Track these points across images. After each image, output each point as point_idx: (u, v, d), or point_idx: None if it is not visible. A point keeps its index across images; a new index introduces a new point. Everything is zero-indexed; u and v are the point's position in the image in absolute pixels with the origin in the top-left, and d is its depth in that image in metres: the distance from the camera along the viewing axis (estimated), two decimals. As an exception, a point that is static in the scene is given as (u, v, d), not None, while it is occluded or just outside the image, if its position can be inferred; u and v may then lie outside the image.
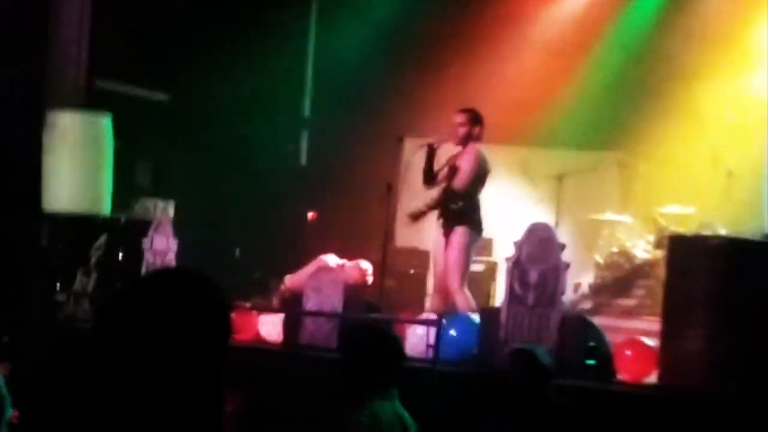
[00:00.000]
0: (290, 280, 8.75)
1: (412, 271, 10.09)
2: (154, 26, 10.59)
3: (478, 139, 8.10)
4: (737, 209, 8.80)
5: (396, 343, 3.77)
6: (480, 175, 7.99)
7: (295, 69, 12.48)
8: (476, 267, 9.47)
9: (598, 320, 8.59)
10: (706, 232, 8.79)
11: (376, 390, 3.56)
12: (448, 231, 7.90)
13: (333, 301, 7.58)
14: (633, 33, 10.95)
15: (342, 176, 11.45)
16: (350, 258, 8.77)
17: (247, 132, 11.52)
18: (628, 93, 10.67)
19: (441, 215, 8.04)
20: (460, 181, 7.96)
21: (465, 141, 8.07)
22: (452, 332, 6.93)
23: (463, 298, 7.66)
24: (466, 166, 7.98)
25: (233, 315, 7.41)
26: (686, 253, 6.47)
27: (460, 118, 8.11)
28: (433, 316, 7.11)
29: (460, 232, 7.84)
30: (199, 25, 10.86)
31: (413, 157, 8.69)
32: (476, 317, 7.11)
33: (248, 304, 8.40)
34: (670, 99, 10.19)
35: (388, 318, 7.34)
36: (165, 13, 10.64)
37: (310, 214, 11.88)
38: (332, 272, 7.82)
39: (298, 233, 11.45)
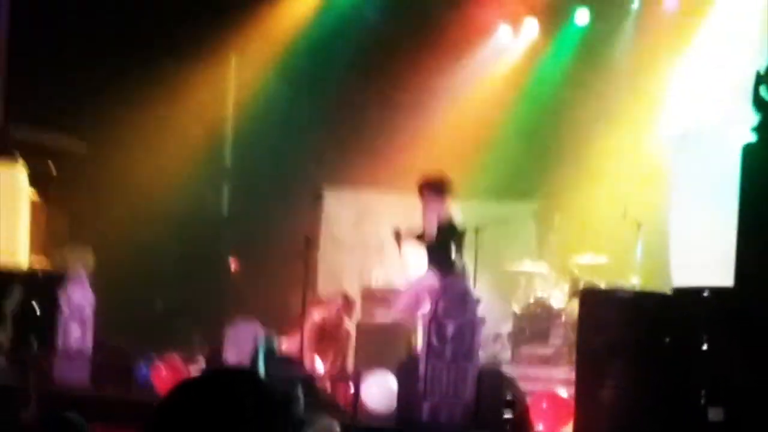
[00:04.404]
0: (287, 346, 8.74)
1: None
2: (69, 76, 10.52)
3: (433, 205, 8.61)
4: (647, 259, 9.07)
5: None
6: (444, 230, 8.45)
7: (216, 119, 12.49)
8: (398, 317, 9.57)
9: (516, 369, 8.77)
10: (620, 283, 9.05)
11: None
12: None
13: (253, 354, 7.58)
14: (543, 88, 11.30)
15: (264, 227, 11.47)
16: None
17: (168, 181, 11.47)
18: (542, 145, 10.99)
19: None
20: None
21: (429, 208, 8.67)
22: (373, 388, 6.99)
23: None
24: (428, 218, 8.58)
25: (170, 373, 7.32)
26: (597, 306, 6.66)
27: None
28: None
29: None
30: (117, 75, 10.82)
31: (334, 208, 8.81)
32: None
33: (177, 358, 8.35)
34: (581, 150, 10.52)
35: (308, 375, 7.37)
36: (82, 62, 10.58)
37: (233, 265, 11.86)
38: (251, 326, 7.82)
39: (221, 283, 11.41)
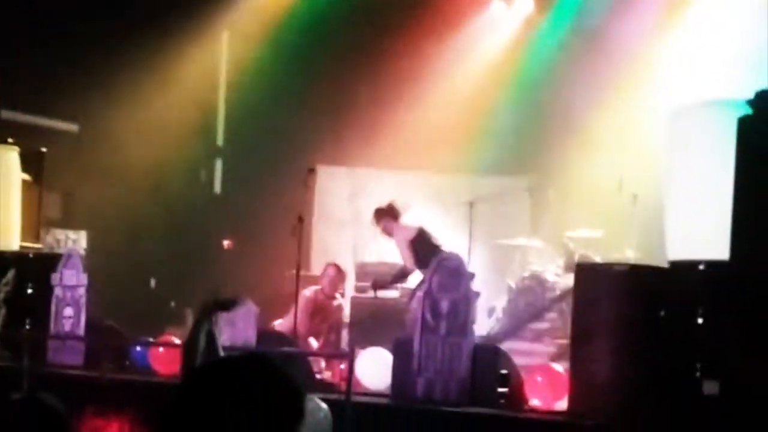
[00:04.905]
0: (280, 326, 8.74)
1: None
2: (60, 55, 10.43)
3: (390, 229, 8.68)
4: (643, 233, 9.03)
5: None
6: (416, 247, 8.43)
7: (208, 98, 12.42)
8: (392, 294, 9.56)
9: (511, 344, 8.76)
10: (616, 256, 9.02)
11: None
12: None
13: (246, 333, 7.55)
14: (537, 62, 11.22)
15: (256, 205, 11.43)
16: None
17: (160, 161, 11.42)
18: (536, 120, 10.93)
19: None
20: (407, 265, 8.66)
21: (389, 234, 8.77)
22: (368, 364, 6.96)
23: None
24: (402, 252, 8.63)
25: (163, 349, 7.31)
26: (592, 281, 6.61)
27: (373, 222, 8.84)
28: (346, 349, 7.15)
29: None
30: (109, 54, 10.74)
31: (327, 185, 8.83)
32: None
33: (176, 341, 8.32)
34: (576, 124, 10.46)
35: (301, 351, 7.34)
36: (72, 41, 10.49)
37: (226, 243, 11.83)
38: (245, 305, 7.78)
39: (214, 262, 11.38)
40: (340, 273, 9.06)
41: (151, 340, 8.32)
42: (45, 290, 8.41)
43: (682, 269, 6.45)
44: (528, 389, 6.76)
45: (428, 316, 6.84)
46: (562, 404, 6.62)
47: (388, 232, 8.76)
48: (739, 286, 6.01)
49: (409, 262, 8.61)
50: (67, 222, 10.92)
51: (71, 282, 8.46)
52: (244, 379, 1.97)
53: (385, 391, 7.01)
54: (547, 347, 9.13)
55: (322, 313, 8.86)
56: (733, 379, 5.85)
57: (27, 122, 10.68)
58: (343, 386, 6.52)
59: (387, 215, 8.75)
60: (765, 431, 5.63)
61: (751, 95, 6.13)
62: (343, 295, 9.46)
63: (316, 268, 10.41)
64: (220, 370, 2.04)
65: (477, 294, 6.86)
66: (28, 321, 8.39)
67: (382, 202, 8.91)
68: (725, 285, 6.07)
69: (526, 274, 9.76)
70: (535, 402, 6.70)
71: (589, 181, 10.09)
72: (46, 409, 3.14)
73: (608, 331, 6.38)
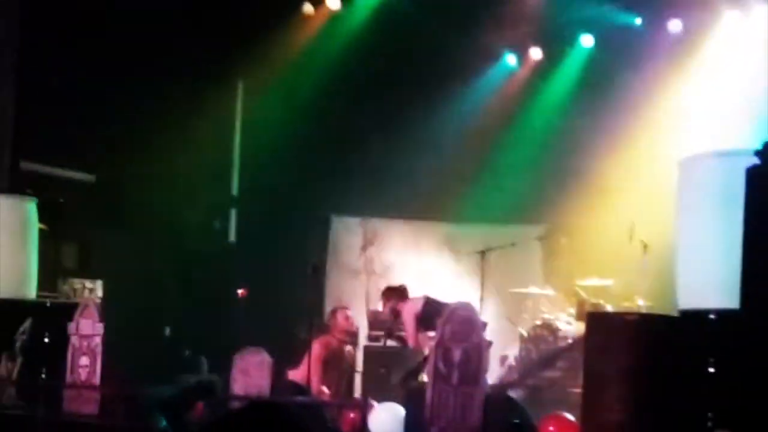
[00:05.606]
0: (292, 375, 8.77)
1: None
2: (78, 107, 10.60)
3: (397, 309, 8.79)
4: (654, 281, 9.06)
5: None
6: (424, 316, 8.60)
7: (223, 147, 12.56)
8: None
9: (523, 392, 8.76)
10: (626, 305, 9.04)
11: None
12: None
13: (260, 383, 7.57)
14: (549, 109, 11.34)
15: (270, 254, 11.51)
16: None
17: (175, 210, 11.53)
18: (547, 169, 11.02)
19: None
20: (413, 343, 8.79)
21: (395, 315, 8.97)
22: (381, 415, 6.99)
23: None
24: (407, 328, 8.78)
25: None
26: (603, 329, 6.64)
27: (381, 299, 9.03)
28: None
29: None
30: (125, 105, 10.90)
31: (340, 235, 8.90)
32: None
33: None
34: (587, 173, 10.55)
35: (314, 400, 7.36)
36: (90, 93, 10.66)
37: (240, 291, 11.90)
38: (259, 354, 7.83)
39: (229, 311, 11.44)
40: (348, 319, 9.08)
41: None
42: (61, 339, 8.47)
43: (693, 318, 6.48)
44: (541, 438, 6.76)
45: (440, 365, 6.87)
46: (575, 454, 6.62)
47: (395, 313, 8.82)
48: (750, 335, 6.03)
49: (412, 339, 8.67)
50: (84, 271, 11.02)
51: (87, 331, 8.52)
52: (261, 427, 2.04)
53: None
54: (559, 396, 9.12)
55: (334, 360, 8.89)
56: (744, 428, 5.86)
57: (44, 173, 10.83)
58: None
59: (397, 296, 8.82)
60: (777, 481, 5.63)
61: (758, 145, 6.21)
62: (355, 344, 9.49)
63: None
64: (237, 418, 2.11)
65: (489, 343, 6.89)
66: (44, 370, 8.45)
67: (394, 283, 9.01)
68: (736, 334, 6.10)
69: (538, 323, 9.79)
70: (547, 451, 6.71)
71: (599, 230, 10.15)
72: None
73: (620, 379, 6.39)
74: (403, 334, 9.14)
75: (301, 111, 11.60)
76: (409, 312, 8.65)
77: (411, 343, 8.70)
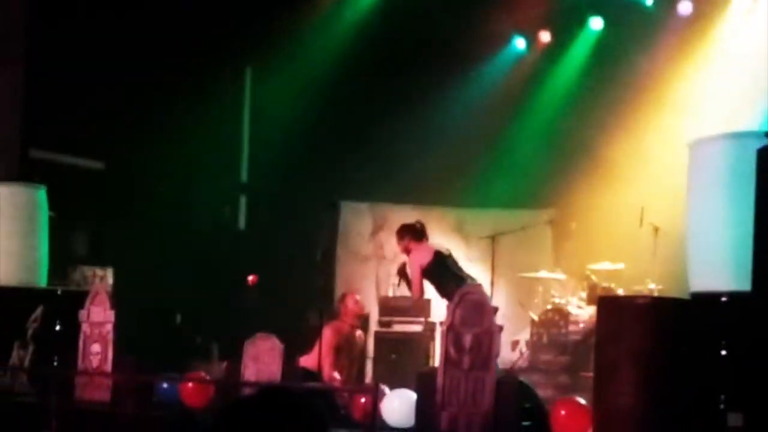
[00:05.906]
0: (304, 361, 8.75)
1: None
2: (87, 94, 10.60)
3: (410, 248, 8.64)
4: (665, 265, 9.03)
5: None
6: (428, 270, 8.41)
7: (232, 134, 12.57)
8: (415, 327, 9.59)
9: (534, 377, 8.75)
10: (638, 288, 9.01)
11: None
12: None
13: (271, 369, 7.60)
14: (560, 92, 11.29)
15: (280, 241, 11.52)
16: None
17: (185, 197, 11.55)
18: (557, 152, 10.98)
19: None
20: (415, 292, 8.67)
21: (407, 253, 8.71)
22: (393, 402, 6.99)
23: None
24: (412, 276, 8.63)
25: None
26: (615, 313, 6.62)
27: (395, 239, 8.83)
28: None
29: None
30: (133, 92, 10.90)
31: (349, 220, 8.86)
32: None
33: (205, 375, 8.40)
34: (597, 157, 10.50)
35: (326, 386, 7.37)
36: (99, 80, 10.67)
37: (250, 278, 11.91)
38: (270, 340, 7.85)
39: (239, 297, 11.46)
40: (358, 303, 9.05)
41: (178, 375, 8.38)
42: (72, 327, 8.51)
43: (705, 301, 6.46)
44: (552, 423, 6.75)
45: (451, 350, 6.87)
46: (587, 437, 6.61)
47: (407, 251, 8.71)
48: (762, 316, 6.01)
49: (416, 290, 8.59)
50: (94, 259, 11.04)
51: (98, 318, 8.56)
52: (271, 412, 2.02)
53: (409, 428, 7.02)
54: (570, 380, 9.11)
55: (345, 346, 8.88)
56: (757, 410, 5.84)
57: (54, 160, 10.84)
58: (367, 421, 6.56)
59: (410, 233, 8.70)
60: (790, 463, 5.62)
61: (769, 127, 6.17)
62: (366, 329, 9.49)
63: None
64: (248, 404, 2.09)
65: (500, 327, 6.87)
66: (55, 357, 8.49)
67: (410, 220, 8.89)
68: (748, 316, 6.08)
69: (549, 307, 9.77)
70: (559, 435, 6.69)
71: (610, 214, 10.11)
72: None
73: (631, 363, 6.38)
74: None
75: (309, 97, 11.58)
76: (415, 262, 8.57)
77: (415, 293, 8.62)
